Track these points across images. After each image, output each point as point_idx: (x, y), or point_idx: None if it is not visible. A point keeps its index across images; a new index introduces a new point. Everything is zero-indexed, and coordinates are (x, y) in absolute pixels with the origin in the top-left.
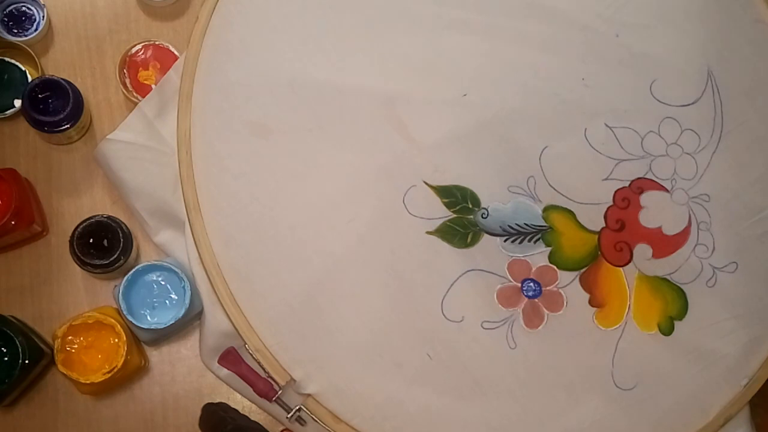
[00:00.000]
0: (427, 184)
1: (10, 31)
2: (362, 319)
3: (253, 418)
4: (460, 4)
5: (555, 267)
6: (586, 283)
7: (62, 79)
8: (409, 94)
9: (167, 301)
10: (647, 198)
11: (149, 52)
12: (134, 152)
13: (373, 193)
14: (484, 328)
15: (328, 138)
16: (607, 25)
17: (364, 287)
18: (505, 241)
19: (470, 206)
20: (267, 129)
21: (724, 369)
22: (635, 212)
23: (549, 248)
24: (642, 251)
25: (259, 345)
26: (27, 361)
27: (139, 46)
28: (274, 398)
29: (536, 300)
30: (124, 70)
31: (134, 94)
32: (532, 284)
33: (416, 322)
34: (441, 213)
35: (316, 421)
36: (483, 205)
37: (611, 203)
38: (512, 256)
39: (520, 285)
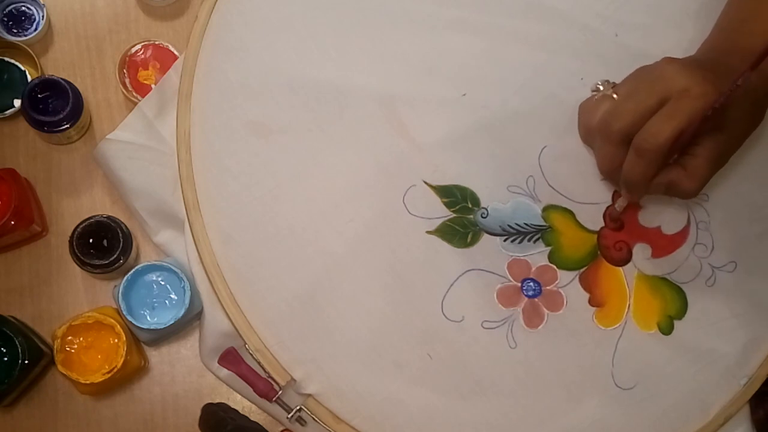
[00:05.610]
0: (426, 183)
1: (9, 31)
2: (362, 319)
3: (253, 418)
4: (459, 3)
5: (555, 266)
6: (586, 283)
7: (62, 79)
8: (409, 94)
9: (167, 302)
10: (646, 197)
11: (149, 52)
12: (134, 152)
13: (373, 192)
14: (484, 328)
15: (327, 138)
16: (606, 25)
17: (365, 287)
18: (504, 240)
19: (470, 206)
20: (267, 129)
21: (724, 368)
22: (634, 212)
23: (549, 248)
24: (641, 251)
25: (259, 345)
26: (27, 362)
27: (138, 46)
28: (274, 398)
29: (536, 299)
30: (124, 70)
31: (134, 94)
32: (532, 284)
33: (416, 321)
34: (441, 212)
35: (316, 421)
36: (483, 204)
37: (610, 203)
38: (512, 256)
39: (520, 284)
